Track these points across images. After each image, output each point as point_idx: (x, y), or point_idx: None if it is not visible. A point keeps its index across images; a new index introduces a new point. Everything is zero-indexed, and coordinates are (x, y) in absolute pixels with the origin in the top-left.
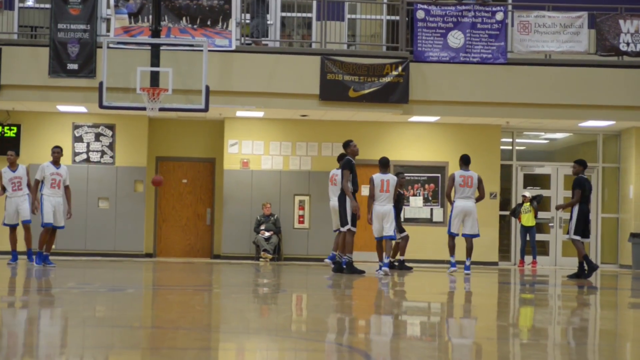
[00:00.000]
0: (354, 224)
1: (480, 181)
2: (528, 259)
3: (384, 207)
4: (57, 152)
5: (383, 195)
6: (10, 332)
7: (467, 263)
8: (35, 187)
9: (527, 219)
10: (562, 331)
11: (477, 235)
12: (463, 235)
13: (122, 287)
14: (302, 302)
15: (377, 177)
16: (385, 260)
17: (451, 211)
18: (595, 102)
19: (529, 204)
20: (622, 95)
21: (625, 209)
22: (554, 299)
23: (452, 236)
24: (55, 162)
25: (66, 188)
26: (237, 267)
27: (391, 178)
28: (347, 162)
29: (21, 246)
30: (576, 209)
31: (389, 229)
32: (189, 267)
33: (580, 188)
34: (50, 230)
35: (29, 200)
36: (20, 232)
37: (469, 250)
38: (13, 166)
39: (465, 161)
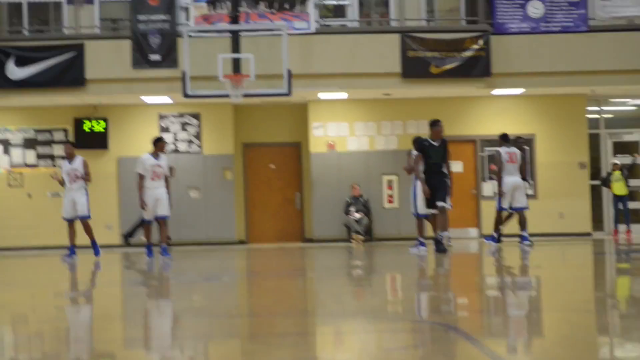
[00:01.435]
0: (428, 207)
1: (523, 157)
2: (622, 227)
3: (514, 177)
4: (164, 143)
5: (511, 166)
6: (112, 324)
7: (525, 234)
8: (140, 181)
9: (619, 188)
10: None
11: (527, 208)
12: (514, 209)
13: (217, 276)
14: (396, 283)
15: (503, 150)
16: (524, 234)
17: (501, 187)
18: None
19: (619, 172)
20: None
21: None
22: None
23: (502, 211)
24: (156, 154)
25: (166, 179)
26: (329, 250)
27: (516, 150)
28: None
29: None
30: None
31: (523, 200)
32: (282, 252)
33: None
34: (153, 224)
35: (86, 193)
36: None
37: (523, 223)
38: (70, 157)
39: (505, 139)
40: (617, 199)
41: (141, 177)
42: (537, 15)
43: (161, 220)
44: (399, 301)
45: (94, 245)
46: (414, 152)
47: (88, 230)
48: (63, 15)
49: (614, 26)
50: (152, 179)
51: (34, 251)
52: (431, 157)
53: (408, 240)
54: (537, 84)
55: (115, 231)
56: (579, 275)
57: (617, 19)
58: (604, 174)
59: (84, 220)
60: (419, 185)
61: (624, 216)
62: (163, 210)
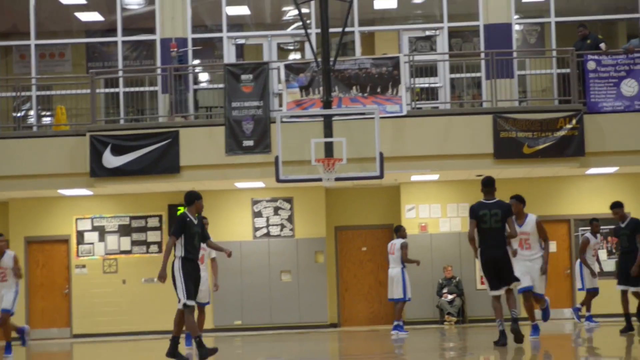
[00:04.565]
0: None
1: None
2: None
3: None
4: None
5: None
6: None
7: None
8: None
9: None
10: None
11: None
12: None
13: (310, 359)
14: None
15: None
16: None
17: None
18: None
19: None
20: None
21: None
22: None
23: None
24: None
25: (212, 261)
26: (422, 332)
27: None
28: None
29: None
30: None
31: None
32: (374, 335)
33: None
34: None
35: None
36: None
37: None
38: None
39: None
40: None
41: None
42: (631, 94)
43: (199, 308)
44: None
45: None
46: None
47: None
48: (158, 104)
49: None
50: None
51: (127, 336)
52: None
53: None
54: (633, 162)
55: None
56: None
57: None
58: None
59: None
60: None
61: None
62: (203, 297)
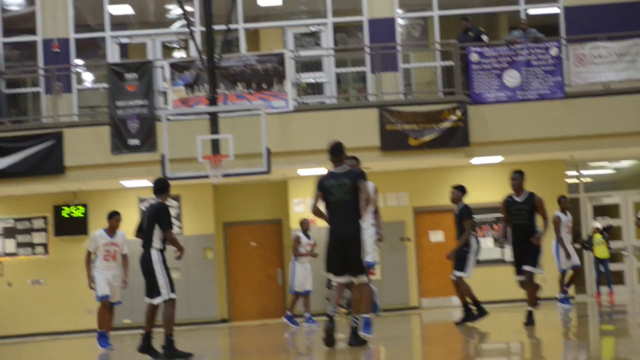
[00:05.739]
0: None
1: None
2: (604, 289)
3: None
4: (117, 220)
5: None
6: None
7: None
8: (87, 260)
9: (601, 251)
10: None
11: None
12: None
13: (201, 354)
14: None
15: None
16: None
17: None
18: None
19: (600, 235)
20: None
21: None
22: (635, 328)
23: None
24: (111, 231)
25: (124, 257)
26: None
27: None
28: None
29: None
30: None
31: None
32: (265, 329)
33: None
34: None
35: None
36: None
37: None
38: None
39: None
40: (599, 261)
41: (88, 254)
42: (513, 84)
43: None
44: None
45: None
46: None
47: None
48: (41, 105)
49: (590, 92)
50: (105, 259)
51: (14, 339)
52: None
53: (389, 310)
54: (515, 152)
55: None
56: (562, 338)
57: (592, 84)
58: (584, 237)
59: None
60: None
61: (606, 279)
62: (115, 296)
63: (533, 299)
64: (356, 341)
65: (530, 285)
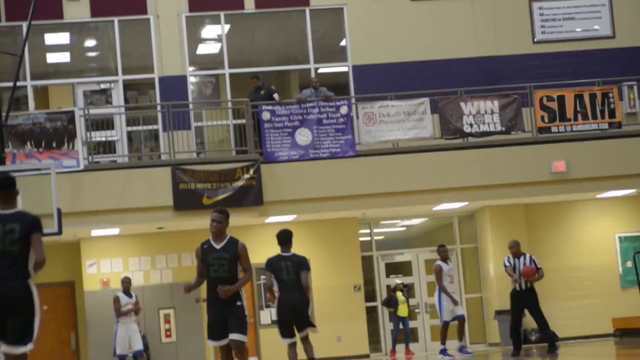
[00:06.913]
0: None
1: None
2: (399, 347)
3: None
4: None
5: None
6: None
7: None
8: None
9: (402, 309)
10: None
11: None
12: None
13: None
14: None
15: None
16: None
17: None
18: (446, 185)
19: (400, 293)
20: (472, 176)
21: (487, 288)
22: None
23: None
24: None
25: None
26: None
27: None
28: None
29: None
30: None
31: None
32: None
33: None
34: None
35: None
36: None
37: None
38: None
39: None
40: (399, 319)
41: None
42: (305, 143)
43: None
44: None
45: None
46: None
47: None
48: None
49: (380, 150)
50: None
51: None
52: None
53: None
54: (308, 210)
55: None
56: None
57: (382, 142)
58: (378, 294)
59: None
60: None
61: (405, 336)
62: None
63: None
64: None
65: None
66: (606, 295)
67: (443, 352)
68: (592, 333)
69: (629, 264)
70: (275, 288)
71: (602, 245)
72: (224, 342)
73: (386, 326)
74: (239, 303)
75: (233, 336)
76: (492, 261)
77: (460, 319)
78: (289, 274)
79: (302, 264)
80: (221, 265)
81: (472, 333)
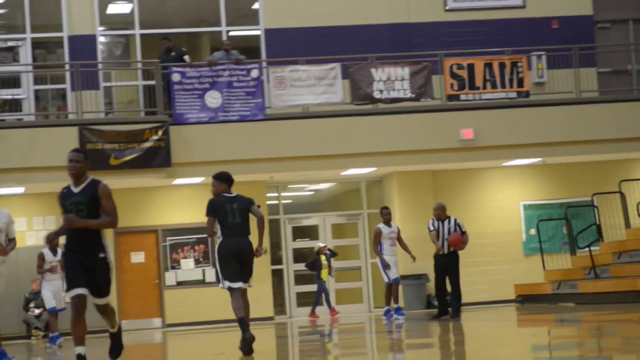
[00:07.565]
0: None
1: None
2: (319, 310)
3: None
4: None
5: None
6: None
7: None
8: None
9: (325, 274)
10: None
11: None
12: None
13: None
14: None
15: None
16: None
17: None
18: (355, 151)
19: (324, 256)
20: (381, 142)
21: None
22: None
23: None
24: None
25: None
26: (7, 348)
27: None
28: None
29: None
30: None
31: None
32: None
33: None
34: None
35: None
36: None
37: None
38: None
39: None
40: (322, 282)
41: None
42: (215, 105)
43: None
44: None
45: None
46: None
47: None
48: None
49: (290, 114)
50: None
51: None
52: None
53: (95, 332)
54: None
55: None
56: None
57: (292, 107)
58: (284, 258)
59: None
60: None
61: (325, 298)
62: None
63: None
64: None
65: None
66: (509, 262)
67: (387, 312)
68: (495, 299)
69: (532, 231)
70: (219, 233)
71: (506, 213)
72: (80, 291)
73: (291, 289)
74: (102, 255)
75: (97, 301)
76: (399, 226)
77: (395, 283)
78: (235, 217)
79: (249, 206)
80: (79, 210)
81: (377, 298)
